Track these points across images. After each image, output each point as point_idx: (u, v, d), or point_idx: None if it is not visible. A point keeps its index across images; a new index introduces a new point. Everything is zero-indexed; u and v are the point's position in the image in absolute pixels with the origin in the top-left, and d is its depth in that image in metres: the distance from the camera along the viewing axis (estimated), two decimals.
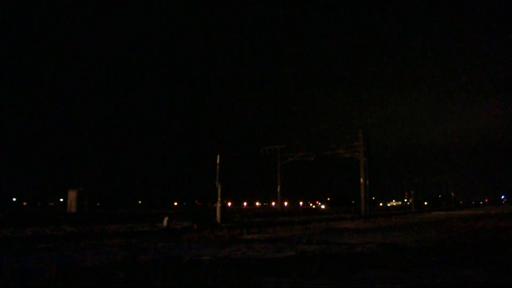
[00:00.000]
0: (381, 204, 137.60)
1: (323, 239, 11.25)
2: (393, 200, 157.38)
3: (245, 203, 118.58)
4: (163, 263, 6.82)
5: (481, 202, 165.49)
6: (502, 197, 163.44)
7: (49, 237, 12.53)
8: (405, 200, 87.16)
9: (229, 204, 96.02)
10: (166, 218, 18.05)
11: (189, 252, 8.14)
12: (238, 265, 6.63)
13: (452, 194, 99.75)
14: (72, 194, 38.58)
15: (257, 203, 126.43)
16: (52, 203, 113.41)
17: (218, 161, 21.90)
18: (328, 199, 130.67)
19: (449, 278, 5.45)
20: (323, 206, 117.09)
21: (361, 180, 40.90)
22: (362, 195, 40.50)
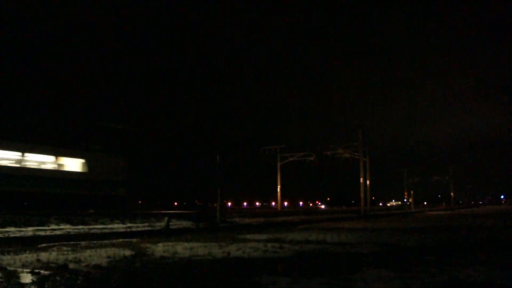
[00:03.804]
0: (381, 204, 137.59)
1: (322, 239, 11.27)
2: (393, 200, 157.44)
3: (245, 203, 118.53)
4: (163, 262, 6.84)
5: (481, 202, 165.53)
6: (502, 197, 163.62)
7: (49, 237, 12.55)
8: (405, 200, 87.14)
9: (229, 204, 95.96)
10: (166, 218, 18.06)
11: (189, 252, 8.16)
12: (238, 264, 6.65)
13: (451, 194, 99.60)
14: None
15: (257, 203, 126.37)
16: None
17: (218, 161, 21.94)
18: (328, 199, 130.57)
19: (448, 277, 5.47)
20: (323, 206, 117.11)
21: (361, 180, 40.91)
22: (362, 195, 40.51)
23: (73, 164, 30.46)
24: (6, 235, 13.26)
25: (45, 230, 15.92)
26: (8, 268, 6.24)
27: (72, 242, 10.84)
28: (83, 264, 6.58)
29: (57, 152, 29.64)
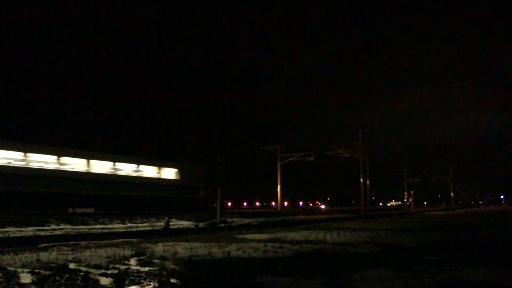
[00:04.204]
0: (381, 204, 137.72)
1: (322, 238, 11.27)
2: (393, 200, 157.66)
3: (245, 203, 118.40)
4: (162, 263, 6.83)
5: (481, 202, 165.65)
6: (502, 197, 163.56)
7: (49, 237, 12.55)
8: (405, 200, 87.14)
9: (229, 204, 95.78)
10: (166, 218, 18.06)
11: (189, 252, 8.16)
12: (238, 264, 6.65)
13: (451, 194, 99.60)
14: None
15: (257, 203, 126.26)
16: None
17: (217, 161, 21.93)
18: (328, 199, 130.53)
19: (448, 277, 5.47)
20: (323, 206, 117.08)
21: (361, 180, 40.90)
22: (362, 195, 40.51)
23: (169, 174, 39.16)
24: (6, 235, 13.26)
25: (45, 230, 15.93)
26: (8, 268, 6.24)
27: (72, 242, 10.85)
28: (83, 264, 6.58)
29: (161, 164, 38.94)
